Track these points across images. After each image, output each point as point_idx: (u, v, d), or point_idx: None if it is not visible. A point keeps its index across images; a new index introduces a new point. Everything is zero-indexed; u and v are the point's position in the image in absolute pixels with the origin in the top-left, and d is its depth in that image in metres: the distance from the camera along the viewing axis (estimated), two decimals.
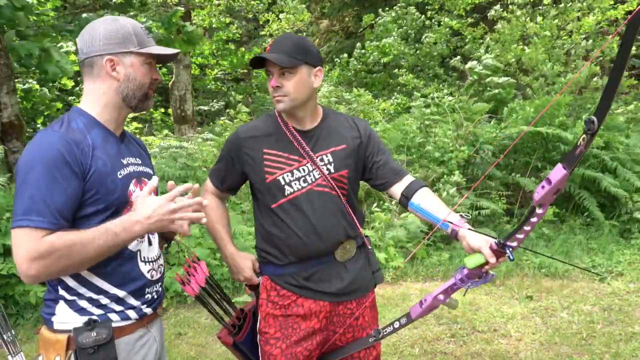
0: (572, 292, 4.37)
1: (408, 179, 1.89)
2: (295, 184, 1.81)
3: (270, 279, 1.89)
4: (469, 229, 1.62)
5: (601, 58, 7.88)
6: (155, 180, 1.46)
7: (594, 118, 1.19)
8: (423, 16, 10.67)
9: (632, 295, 4.30)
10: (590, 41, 7.80)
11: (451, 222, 1.66)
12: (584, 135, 1.23)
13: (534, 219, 1.41)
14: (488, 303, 4.19)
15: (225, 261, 1.99)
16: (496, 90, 7.73)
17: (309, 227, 1.80)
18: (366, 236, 1.99)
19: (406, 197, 1.84)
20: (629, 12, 8.21)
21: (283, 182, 1.80)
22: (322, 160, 1.84)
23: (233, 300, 2.16)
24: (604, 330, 3.71)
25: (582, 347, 3.50)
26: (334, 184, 1.83)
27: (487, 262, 1.53)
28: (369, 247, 1.99)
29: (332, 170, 1.84)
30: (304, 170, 1.81)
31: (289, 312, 1.86)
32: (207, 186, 2.01)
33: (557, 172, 1.28)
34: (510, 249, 1.48)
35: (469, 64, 8.68)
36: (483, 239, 1.56)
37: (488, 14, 9.48)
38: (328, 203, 1.83)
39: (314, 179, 1.82)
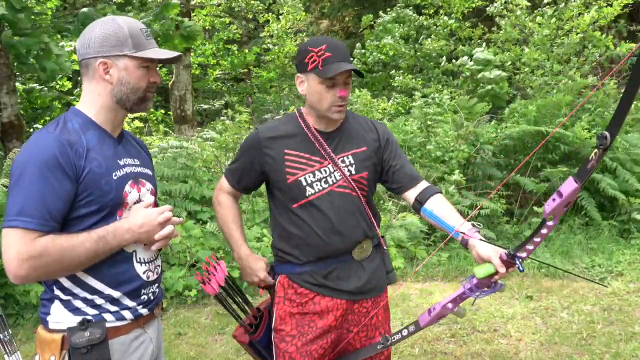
0: (572, 292, 4.36)
1: (423, 184, 1.90)
2: (317, 185, 1.81)
3: (287, 277, 1.89)
4: (480, 239, 1.62)
5: (600, 57, 7.85)
6: (151, 199, 1.56)
7: (607, 133, 1.17)
8: (421, 17, 10.65)
9: (632, 295, 4.29)
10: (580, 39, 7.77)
11: (462, 233, 1.66)
12: (596, 150, 1.21)
13: (544, 231, 1.41)
14: (488, 303, 4.18)
15: (240, 262, 1.98)
16: (489, 86, 7.70)
17: (330, 227, 1.81)
18: (382, 236, 2.00)
19: (419, 202, 1.85)
20: (625, 6, 8.18)
21: (305, 183, 1.80)
22: (343, 161, 1.84)
23: None
24: (604, 330, 3.70)
25: (582, 347, 3.49)
26: (354, 185, 1.84)
27: (496, 272, 1.54)
28: (385, 247, 2.00)
29: (353, 172, 1.85)
30: (325, 171, 1.82)
31: (306, 310, 1.86)
32: (222, 185, 2.01)
33: (569, 185, 1.27)
34: (520, 260, 1.49)
35: (460, 60, 8.65)
36: (493, 249, 1.57)
37: (487, 10, 9.45)
38: (348, 204, 1.84)
39: (335, 180, 1.82)
